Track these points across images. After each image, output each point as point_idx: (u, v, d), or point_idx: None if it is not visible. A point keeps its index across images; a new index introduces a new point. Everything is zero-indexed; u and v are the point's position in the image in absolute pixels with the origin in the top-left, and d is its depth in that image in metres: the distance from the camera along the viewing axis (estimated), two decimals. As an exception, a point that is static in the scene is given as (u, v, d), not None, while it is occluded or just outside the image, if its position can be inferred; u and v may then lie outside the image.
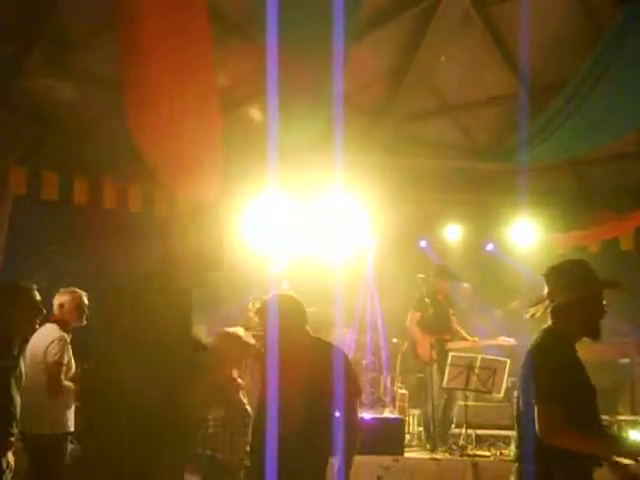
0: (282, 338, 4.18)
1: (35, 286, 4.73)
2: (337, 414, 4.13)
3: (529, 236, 10.60)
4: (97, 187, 9.13)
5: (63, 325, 5.52)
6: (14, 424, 4.30)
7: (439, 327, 8.65)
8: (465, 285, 10.49)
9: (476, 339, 8.87)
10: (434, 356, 8.37)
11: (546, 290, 3.63)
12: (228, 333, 5.33)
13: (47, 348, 5.29)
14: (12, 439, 4.30)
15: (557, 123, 8.48)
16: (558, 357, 3.48)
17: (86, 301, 5.71)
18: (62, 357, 5.33)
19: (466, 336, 8.89)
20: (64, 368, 5.34)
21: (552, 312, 3.59)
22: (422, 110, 9.89)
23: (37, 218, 9.29)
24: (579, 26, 8.35)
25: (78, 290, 5.73)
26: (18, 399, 4.38)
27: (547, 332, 3.58)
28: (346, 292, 9.27)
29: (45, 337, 5.30)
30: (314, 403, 4.04)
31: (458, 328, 8.95)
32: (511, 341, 8.73)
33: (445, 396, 8.41)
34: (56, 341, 5.34)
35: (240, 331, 5.25)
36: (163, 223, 9.69)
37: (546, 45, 8.46)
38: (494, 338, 8.93)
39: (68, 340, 5.47)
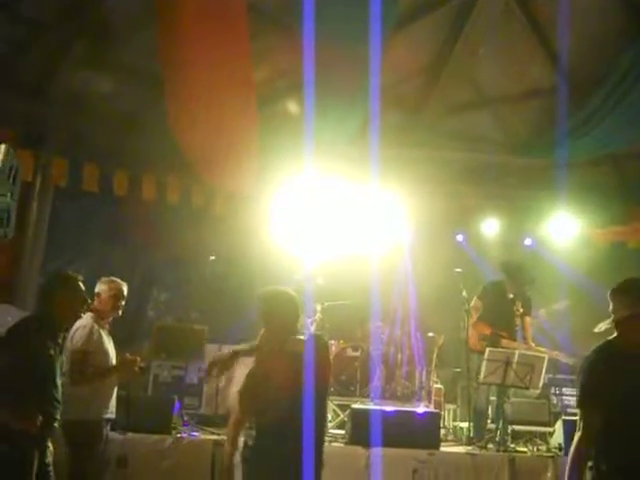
0: (275, 335, 4.42)
1: (80, 276, 4.77)
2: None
3: (568, 231, 10.48)
4: (136, 179, 9.25)
5: (99, 314, 5.55)
6: (58, 410, 4.38)
7: (498, 322, 8.44)
8: None
9: (532, 344, 8.40)
10: (480, 346, 8.26)
11: (611, 306, 3.90)
12: None
13: (72, 335, 5.30)
14: (56, 424, 4.39)
15: (598, 117, 8.39)
16: (591, 367, 3.78)
17: (125, 291, 5.73)
18: (85, 344, 5.32)
19: (529, 341, 8.48)
20: (88, 356, 5.32)
21: (616, 325, 3.84)
22: (460, 103, 9.82)
23: (77, 209, 9.42)
24: (620, 19, 8.23)
25: (117, 280, 5.75)
26: (60, 386, 4.45)
27: (604, 343, 3.87)
28: (382, 286, 9.26)
29: (75, 325, 5.31)
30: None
31: (528, 331, 8.53)
32: (566, 359, 8.45)
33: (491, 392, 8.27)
34: (80, 328, 5.35)
35: None
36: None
37: (587, 38, 8.36)
38: (551, 350, 8.49)
39: (98, 329, 5.47)
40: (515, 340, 8.39)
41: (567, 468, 3.66)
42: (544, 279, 10.21)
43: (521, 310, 8.51)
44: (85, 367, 5.30)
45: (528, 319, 8.61)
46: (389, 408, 7.79)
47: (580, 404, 3.75)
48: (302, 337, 4.55)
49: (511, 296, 8.51)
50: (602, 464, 3.61)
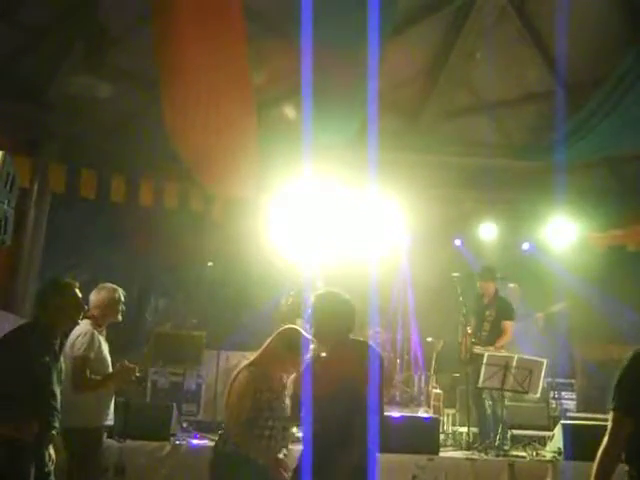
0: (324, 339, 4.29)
1: (77, 283, 4.75)
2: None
3: (566, 235, 10.48)
4: (134, 185, 9.24)
5: (97, 321, 5.52)
6: (56, 418, 4.35)
7: (472, 329, 8.61)
8: (511, 285, 10.36)
9: (490, 348, 8.38)
10: (465, 356, 8.45)
11: None
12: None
13: (73, 342, 5.27)
14: (54, 432, 4.35)
15: (595, 121, 8.37)
16: (625, 370, 3.57)
17: (122, 297, 5.72)
18: (87, 351, 5.29)
19: (497, 344, 8.50)
20: (90, 362, 5.29)
21: None
22: (457, 108, 9.82)
23: (76, 215, 9.41)
24: (618, 23, 8.23)
25: (115, 286, 5.73)
26: (59, 394, 4.42)
27: None
28: (380, 290, 9.25)
29: (74, 332, 5.30)
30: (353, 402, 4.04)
31: (503, 335, 8.57)
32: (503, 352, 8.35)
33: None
34: (81, 335, 5.32)
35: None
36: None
37: (583, 42, 8.35)
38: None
39: (98, 335, 5.44)
40: (481, 344, 8.47)
41: (593, 473, 3.57)
42: (542, 283, 10.24)
43: (493, 315, 8.55)
44: (87, 374, 5.28)
45: (507, 323, 8.64)
46: (388, 413, 7.78)
47: (611, 408, 3.64)
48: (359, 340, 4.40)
49: (485, 301, 8.60)
50: (633, 470, 3.54)
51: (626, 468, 3.59)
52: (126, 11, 7.73)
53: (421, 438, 7.19)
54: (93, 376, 5.30)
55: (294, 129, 8.52)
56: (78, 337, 5.31)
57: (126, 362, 5.45)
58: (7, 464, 4.04)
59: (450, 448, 8.01)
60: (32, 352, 4.27)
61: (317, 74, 6.79)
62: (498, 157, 10.26)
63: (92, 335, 5.38)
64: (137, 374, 5.45)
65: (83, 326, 5.30)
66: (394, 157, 9.58)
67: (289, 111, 9.18)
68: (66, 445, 5.10)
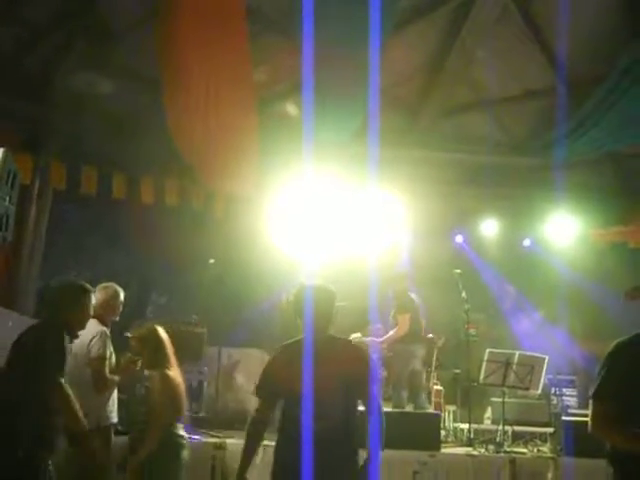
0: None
1: (93, 289, 4.71)
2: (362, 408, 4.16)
3: (567, 232, 10.48)
4: (135, 182, 9.24)
5: (102, 319, 5.54)
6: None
7: None
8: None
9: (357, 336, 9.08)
10: None
11: None
12: None
13: (90, 343, 5.31)
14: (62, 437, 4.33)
15: (596, 117, 8.38)
16: (615, 359, 3.56)
17: (122, 296, 5.75)
18: (104, 351, 5.35)
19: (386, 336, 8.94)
20: (107, 362, 5.37)
21: None
22: (459, 104, 9.82)
23: (77, 213, 9.42)
24: (619, 20, 8.23)
25: (115, 285, 5.77)
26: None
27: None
28: (381, 287, 9.26)
29: (86, 332, 5.28)
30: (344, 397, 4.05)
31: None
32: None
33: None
34: (97, 336, 5.35)
35: None
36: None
37: (584, 39, 8.35)
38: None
39: (108, 334, 5.50)
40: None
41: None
42: (543, 279, 10.25)
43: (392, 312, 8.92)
44: (106, 374, 5.34)
45: (398, 317, 8.85)
46: (389, 409, 7.78)
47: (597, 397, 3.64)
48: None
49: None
50: (617, 472, 3.52)
51: (610, 470, 3.57)
52: (128, 8, 7.73)
53: (423, 434, 7.20)
54: (110, 375, 5.36)
55: (295, 126, 8.51)
56: (93, 338, 5.33)
57: (130, 355, 5.47)
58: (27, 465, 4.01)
59: (451, 444, 8.02)
60: (52, 354, 4.20)
61: (318, 71, 6.79)
62: (499, 154, 10.27)
63: (106, 335, 5.45)
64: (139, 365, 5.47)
65: (93, 326, 5.29)
66: (395, 154, 9.58)
67: (290, 108, 9.18)
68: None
